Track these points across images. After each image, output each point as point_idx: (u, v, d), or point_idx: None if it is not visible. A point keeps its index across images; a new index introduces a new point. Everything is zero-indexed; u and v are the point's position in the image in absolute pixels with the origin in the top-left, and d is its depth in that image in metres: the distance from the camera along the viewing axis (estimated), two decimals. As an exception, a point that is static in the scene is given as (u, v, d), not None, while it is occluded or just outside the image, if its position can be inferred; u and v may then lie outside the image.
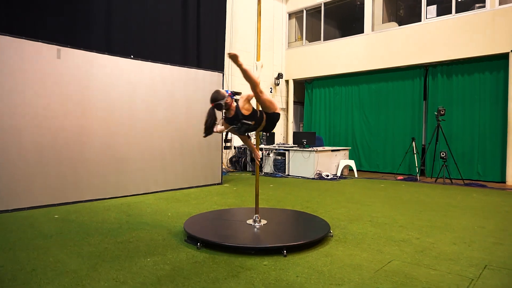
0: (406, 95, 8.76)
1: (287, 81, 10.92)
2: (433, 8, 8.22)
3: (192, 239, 3.22)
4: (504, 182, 7.33)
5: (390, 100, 9.03)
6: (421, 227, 3.83)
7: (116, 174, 5.35)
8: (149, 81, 5.73)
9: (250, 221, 3.65)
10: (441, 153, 7.39)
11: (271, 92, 10.50)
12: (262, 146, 9.02)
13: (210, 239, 3.10)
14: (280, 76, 10.51)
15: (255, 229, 3.47)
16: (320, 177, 7.89)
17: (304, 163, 8.02)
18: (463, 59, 7.82)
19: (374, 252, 3.02)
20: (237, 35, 9.37)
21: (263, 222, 3.61)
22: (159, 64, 5.86)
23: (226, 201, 5.22)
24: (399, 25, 8.87)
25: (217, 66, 7.62)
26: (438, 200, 5.43)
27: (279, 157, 8.58)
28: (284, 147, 8.66)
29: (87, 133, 5.05)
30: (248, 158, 9.14)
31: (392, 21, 9.19)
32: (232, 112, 3.17)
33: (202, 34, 7.50)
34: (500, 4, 7.36)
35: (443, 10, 8.12)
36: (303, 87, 11.04)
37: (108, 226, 3.75)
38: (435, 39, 8.07)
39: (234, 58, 2.97)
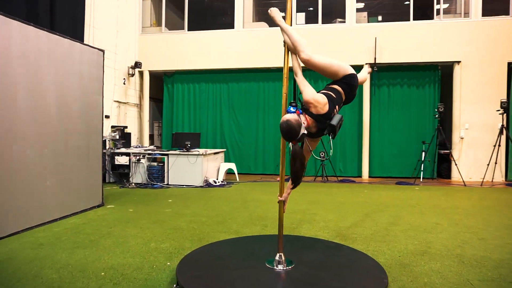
0: (275, 96, 8.89)
1: (141, 73, 9.20)
2: (301, 16, 8.64)
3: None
4: (361, 176, 8.49)
5: (260, 101, 8.95)
6: (405, 233, 3.70)
7: None
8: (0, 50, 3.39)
9: (269, 264, 2.57)
10: (321, 153, 7.84)
11: (124, 84, 8.59)
12: (123, 149, 7.19)
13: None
14: (138, 65, 8.73)
15: (289, 276, 2.43)
16: (208, 184, 6.94)
17: (190, 169, 6.84)
18: (328, 67, 8.56)
19: (447, 274, 2.60)
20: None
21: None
22: (17, 22, 3.56)
23: (151, 234, 3.67)
24: (269, 26, 8.91)
25: (77, 33, 5.49)
26: (353, 200, 5.59)
27: (155, 164, 7.04)
28: (161, 151, 7.18)
29: None
30: (108, 167, 7.09)
31: (262, 21, 9.15)
32: (314, 129, 2.43)
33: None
34: (357, 22, 8.45)
35: (310, 19, 8.66)
36: (161, 81, 9.59)
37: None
38: (303, 45, 8.49)
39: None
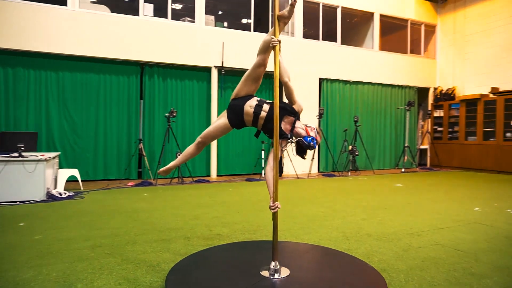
0: (121, 92, 7.92)
1: None
2: (150, 7, 8.05)
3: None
4: (209, 175, 8.72)
5: (101, 96, 7.76)
6: (312, 223, 4.17)
7: None
8: None
9: (265, 272, 2.44)
10: (177, 154, 7.55)
11: None
12: None
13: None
14: None
15: (286, 285, 2.40)
16: (51, 197, 5.54)
17: (26, 180, 5.25)
18: (177, 65, 8.35)
19: None
20: None
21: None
22: None
23: (59, 274, 2.73)
24: (112, 11, 7.85)
25: None
26: (231, 199, 5.76)
27: (-34, 175, 5.02)
28: (-25, 157, 5.16)
29: None
30: None
31: (103, 4, 7.92)
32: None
33: None
34: (206, 24, 8.58)
35: (160, 12, 8.18)
36: None
37: None
38: (152, 39, 7.96)
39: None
